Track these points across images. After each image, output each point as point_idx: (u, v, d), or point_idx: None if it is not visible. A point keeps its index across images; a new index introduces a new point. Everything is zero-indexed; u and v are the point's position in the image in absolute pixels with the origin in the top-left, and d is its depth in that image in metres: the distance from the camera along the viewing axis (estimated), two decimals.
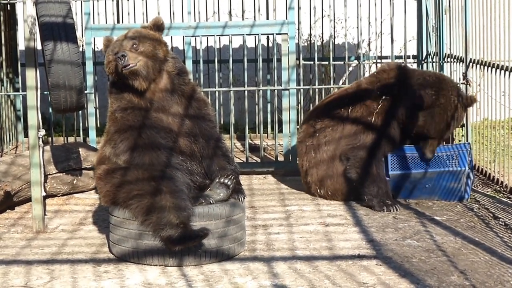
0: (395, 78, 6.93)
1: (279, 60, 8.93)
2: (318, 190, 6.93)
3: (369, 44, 10.29)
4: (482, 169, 7.76)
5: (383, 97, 6.86)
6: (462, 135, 8.23)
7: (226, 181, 5.27)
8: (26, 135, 8.24)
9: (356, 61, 9.82)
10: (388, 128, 6.78)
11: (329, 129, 6.89)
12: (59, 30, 5.92)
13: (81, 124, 8.85)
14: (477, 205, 6.60)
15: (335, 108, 6.99)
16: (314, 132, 6.99)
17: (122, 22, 10.18)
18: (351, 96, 7.00)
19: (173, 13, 8.69)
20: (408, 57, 9.22)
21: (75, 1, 8.49)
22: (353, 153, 6.72)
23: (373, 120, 6.80)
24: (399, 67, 7.07)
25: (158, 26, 5.46)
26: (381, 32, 9.79)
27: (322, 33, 10.55)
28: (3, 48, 8.96)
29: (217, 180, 5.28)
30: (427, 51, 8.92)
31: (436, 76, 7.04)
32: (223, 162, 5.39)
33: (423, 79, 6.87)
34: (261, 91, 8.88)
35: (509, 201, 6.72)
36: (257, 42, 8.88)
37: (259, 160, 8.44)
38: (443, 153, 6.78)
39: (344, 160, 6.76)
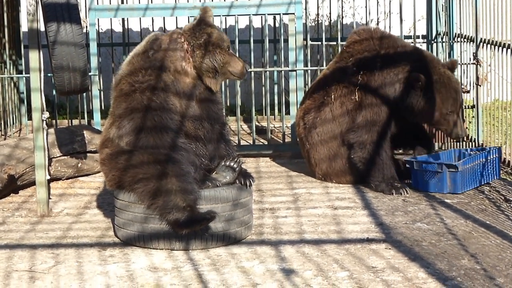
0: (370, 51, 6.71)
1: (286, 41, 8.82)
2: (321, 176, 6.88)
3: (377, 24, 10.18)
4: None
5: (361, 73, 6.64)
6: (473, 117, 8.15)
7: (232, 164, 5.20)
8: (29, 118, 8.19)
9: None
10: (377, 106, 6.56)
11: (319, 112, 6.78)
12: (62, 11, 5.87)
13: (85, 107, 8.80)
14: (488, 188, 6.53)
15: (318, 91, 6.87)
16: (304, 122, 6.92)
17: (126, 3, 10.09)
18: (329, 77, 6.85)
19: None
20: (418, 37, 9.09)
21: None
22: (354, 139, 6.58)
23: (357, 99, 6.60)
24: (371, 38, 6.78)
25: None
26: (389, 11, 9.67)
27: (330, 13, 10.44)
28: (6, 29, 8.88)
29: (223, 163, 5.22)
30: (437, 30, 8.80)
31: (415, 48, 6.84)
32: (224, 151, 5.33)
33: (403, 53, 6.64)
34: (267, 72, 8.79)
35: None
36: (263, 22, 8.78)
37: (266, 143, 8.37)
38: (474, 163, 6.49)
39: (348, 147, 6.65)
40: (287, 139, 8.25)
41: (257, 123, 9.25)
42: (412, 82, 6.46)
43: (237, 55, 5.45)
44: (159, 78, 5.12)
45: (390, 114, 6.56)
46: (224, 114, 5.55)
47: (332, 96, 6.73)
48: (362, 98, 6.58)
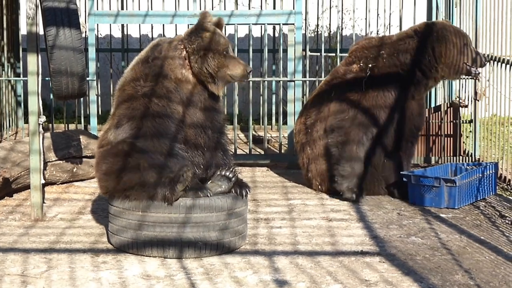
0: (373, 49, 6.72)
1: (285, 51, 8.82)
2: (320, 186, 6.84)
3: None
4: None
5: (369, 66, 6.63)
6: (470, 131, 8.15)
7: (227, 173, 5.17)
8: (26, 121, 8.19)
9: None
10: (384, 93, 6.55)
11: (320, 123, 6.77)
12: (62, 16, 5.86)
13: (82, 111, 8.77)
14: (483, 203, 6.52)
15: (320, 102, 6.85)
16: (306, 128, 6.91)
17: (126, 9, 10.09)
18: (334, 84, 6.83)
19: (178, 1, 8.59)
20: None
21: None
22: (339, 126, 6.59)
23: (363, 89, 6.59)
24: (370, 41, 6.82)
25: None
26: (389, 24, 9.69)
27: (330, 24, 10.45)
28: (5, 32, 8.87)
29: (218, 173, 5.19)
30: None
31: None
32: (221, 160, 5.30)
33: (404, 31, 6.79)
34: (266, 82, 8.78)
35: None
36: (263, 32, 8.78)
37: (262, 152, 8.35)
38: (471, 178, 6.50)
39: (329, 132, 6.64)
40: (284, 149, 8.23)
41: (254, 133, 9.24)
42: (421, 33, 6.56)
43: (237, 57, 5.32)
44: (161, 85, 5.10)
45: (399, 100, 6.57)
46: (225, 123, 5.49)
47: (337, 99, 6.71)
48: (368, 90, 6.58)
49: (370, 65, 6.63)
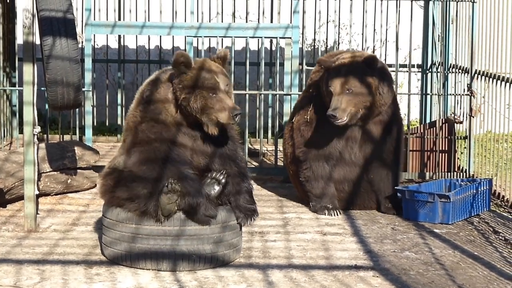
0: (321, 71, 6.76)
1: (281, 64, 8.83)
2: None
3: (373, 52, 10.20)
4: None
5: (314, 94, 6.72)
6: (465, 147, 8.16)
7: (218, 176, 5.13)
8: (21, 131, 8.16)
9: None
10: (322, 122, 6.59)
11: (291, 147, 6.89)
12: (59, 26, 5.87)
13: (77, 122, 8.76)
14: (477, 219, 6.52)
15: (289, 123, 7.01)
16: (284, 149, 7.09)
17: (123, 20, 10.10)
18: (297, 105, 7.01)
19: (176, 12, 8.64)
20: (413, 66, 9.14)
21: None
22: (303, 156, 6.67)
23: (308, 119, 6.68)
24: (328, 58, 6.77)
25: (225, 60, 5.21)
26: (386, 39, 9.71)
27: (327, 39, 10.46)
28: (1, 41, 8.85)
29: (209, 175, 5.15)
30: (432, 60, 8.85)
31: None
32: (238, 180, 5.25)
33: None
34: (262, 95, 8.79)
35: (510, 216, 6.65)
36: (260, 45, 8.80)
37: (258, 165, 8.34)
38: (465, 194, 6.50)
39: (296, 161, 6.75)
40: (279, 163, 8.23)
41: (249, 146, 9.23)
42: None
43: (230, 97, 5.09)
44: (160, 124, 5.06)
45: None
46: (240, 151, 5.42)
47: (294, 123, 6.83)
48: (312, 117, 6.67)
49: (314, 93, 6.69)
